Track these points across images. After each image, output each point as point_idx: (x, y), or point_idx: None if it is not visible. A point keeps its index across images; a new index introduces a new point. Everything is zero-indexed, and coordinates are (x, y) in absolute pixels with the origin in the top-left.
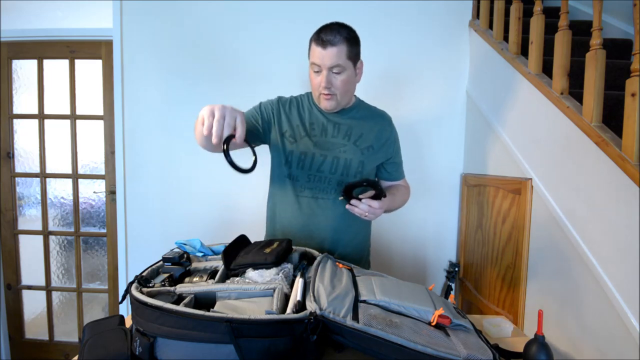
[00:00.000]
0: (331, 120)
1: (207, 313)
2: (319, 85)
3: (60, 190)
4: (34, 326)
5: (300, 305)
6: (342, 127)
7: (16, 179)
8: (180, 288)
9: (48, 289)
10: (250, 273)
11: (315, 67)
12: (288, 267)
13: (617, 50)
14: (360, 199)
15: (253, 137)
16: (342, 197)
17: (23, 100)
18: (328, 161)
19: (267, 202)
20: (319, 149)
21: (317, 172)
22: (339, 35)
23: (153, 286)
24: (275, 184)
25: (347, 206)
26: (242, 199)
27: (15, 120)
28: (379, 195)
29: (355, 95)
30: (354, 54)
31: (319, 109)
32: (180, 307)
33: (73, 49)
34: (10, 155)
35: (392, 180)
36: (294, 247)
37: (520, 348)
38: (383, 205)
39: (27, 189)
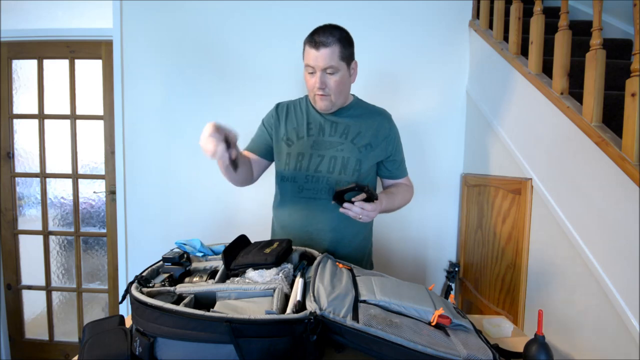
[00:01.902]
0: (328, 119)
1: (207, 313)
2: (313, 86)
3: (60, 190)
4: (34, 326)
5: (300, 305)
6: (340, 126)
7: (16, 179)
8: (180, 288)
9: (48, 289)
10: (250, 273)
11: (309, 68)
12: (288, 267)
13: (617, 50)
14: (352, 202)
15: (271, 155)
16: (334, 202)
17: (23, 100)
18: (325, 161)
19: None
20: (316, 149)
21: (314, 172)
22: (331, 36)
23: (153, 286)
24: (278, 186)
25: (341, 209)
26: (242, 199)
27: (15, 120)
28: (370, 198)
29: (353, 95)
30: (347, 55)
31: (317, 109)
32: (180, 307)
33: (73, 49)
34: (10, 155)
35: (393, 179)
36: (294, 247)
37: (520, 348)
38: (376, 208)
39: (27, 189)
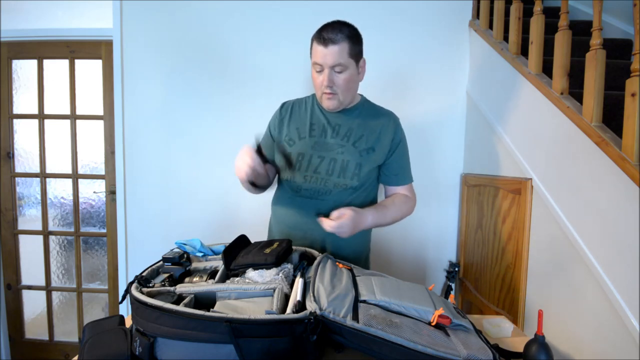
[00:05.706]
0: (332, 121)
1: (207, 313)
2: (321, 84)
3: (60, 190)
4: (34, 326)
5: (300, 305)
6: (342, 128)
7: (16, 179)
8: (180, 288)
9: (48, 289)
10: (250, 273)
11: (317, 66)
12: (288, 267)
13: (617, 50)
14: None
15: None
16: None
17: (23, 100)
18: (325, 162)
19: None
20: (317, 150)
21: (313, 173)
22: (340, 33)
23: (153, 286)
24: (277, 185)
25: (320, 219)
26: (242, 199)
27: (15, 120)
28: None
29: (360, 95)
30: (356, 52)
31: (322, 109)
32: (180, 307)
33: (73, 49)
34: (10, 155)
35: (389, 185)
36: (294, 247)
37: (520, 348)
38: (351, 219)
39: (27, 189)
